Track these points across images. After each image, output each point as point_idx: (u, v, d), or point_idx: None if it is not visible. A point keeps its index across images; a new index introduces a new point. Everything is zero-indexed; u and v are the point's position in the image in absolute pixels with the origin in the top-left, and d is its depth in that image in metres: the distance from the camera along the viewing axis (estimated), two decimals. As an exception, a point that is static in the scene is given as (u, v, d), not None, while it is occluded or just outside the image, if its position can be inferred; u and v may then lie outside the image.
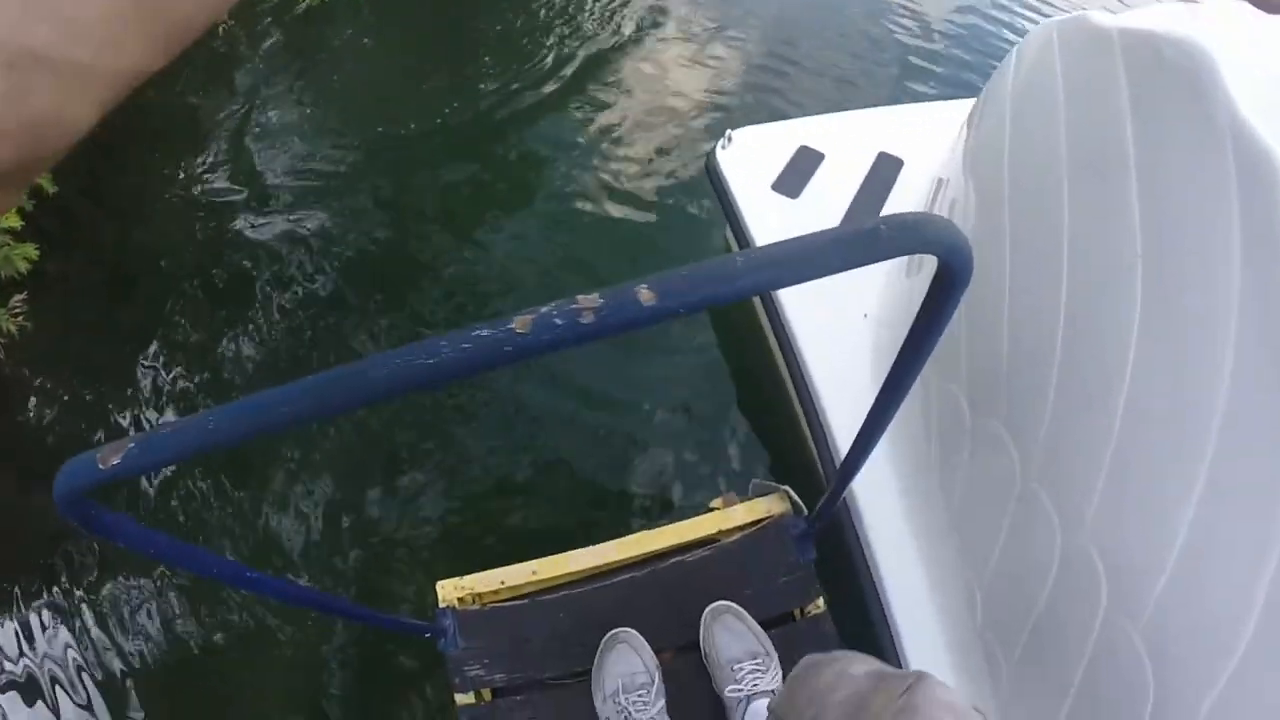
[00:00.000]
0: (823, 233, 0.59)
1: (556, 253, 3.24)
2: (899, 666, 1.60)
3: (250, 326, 3.10)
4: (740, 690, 1.59)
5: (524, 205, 3.42)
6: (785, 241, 0.58)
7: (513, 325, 0.54)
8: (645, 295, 0.53)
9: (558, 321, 0.54)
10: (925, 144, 2.25)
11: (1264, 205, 0.87)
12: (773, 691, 1.58)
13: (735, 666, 1.61)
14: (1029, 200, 1.37)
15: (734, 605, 1.69)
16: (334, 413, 0.59)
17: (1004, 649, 1.42)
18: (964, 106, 1.83)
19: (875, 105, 2.69)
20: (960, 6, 4.43)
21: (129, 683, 2.33)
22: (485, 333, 0.54)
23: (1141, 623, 1.06)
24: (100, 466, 0.60)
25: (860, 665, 1.08)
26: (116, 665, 2.36)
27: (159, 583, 2.49)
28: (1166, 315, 1.02)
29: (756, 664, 1.61)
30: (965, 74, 3.98)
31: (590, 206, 3.36)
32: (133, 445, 0.60)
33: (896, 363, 0.88)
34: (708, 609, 1.69)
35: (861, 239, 0.59)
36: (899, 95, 3.81)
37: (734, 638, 1.66)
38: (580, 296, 0.54)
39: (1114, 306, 1.09)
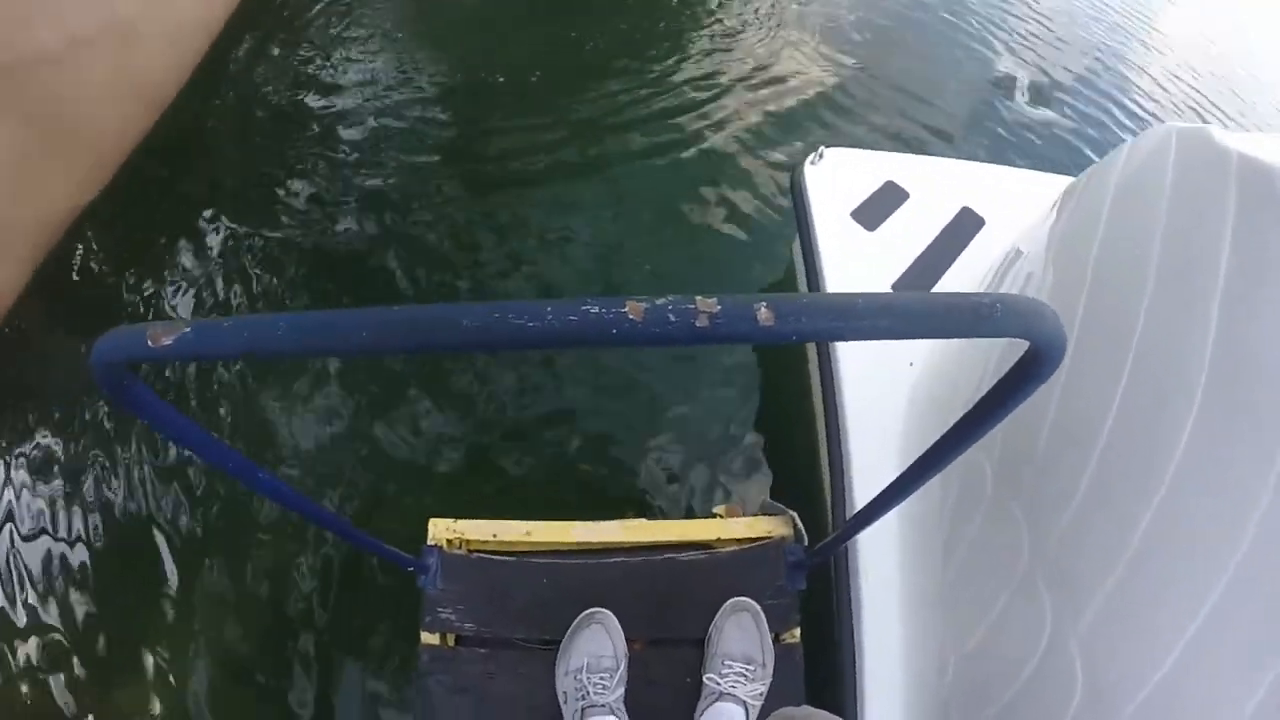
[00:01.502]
0: (942, 296, 0.58)
1: (617, 232, 3.24)
2: (855, 714, 1.61)
3: (301, 230, 3.14)
4: (718, 685, 1.60)
5: (595, 178, 3.42)
6: (905, 295, 0.57)
7: (625, 309, 0.53)
8: (764, 314, 0.53)
9: (671, 317, 0.53)
10: (1011, 209, 2.22)
11: None
12: (745, 703, 1.59)
13: (727, 662, 1.62)
14: (1107, 297, 1.35)
15: (756, 607, 1.69)
16: (413, 351, 0.57)
17: None
18: (1056, 181, 1.80)
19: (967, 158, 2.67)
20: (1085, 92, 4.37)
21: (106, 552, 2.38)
22: (595, 309, 0.54)
23: None
24: (150, 344, 0.59)
25: None
26: (95, 532, 2.41)
27: (162, 457, 2.52)
28: (1211, 449, 1.01)
29: (747, 669, 1.62)
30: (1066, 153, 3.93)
31: (666, 197, 3.35)
32: (189, 330, 0.59)
33: (948, 434, 0.88)
34: (731, 600, 1.70)
35: (978, 311, 0.58)
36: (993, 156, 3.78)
37: (742, 636, 1.66)
38: (699, 298, 0.53)
39: (1163, 426, 1.08)
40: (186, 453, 2.45)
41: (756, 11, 4.36)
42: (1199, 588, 0.95)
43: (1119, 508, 1.14)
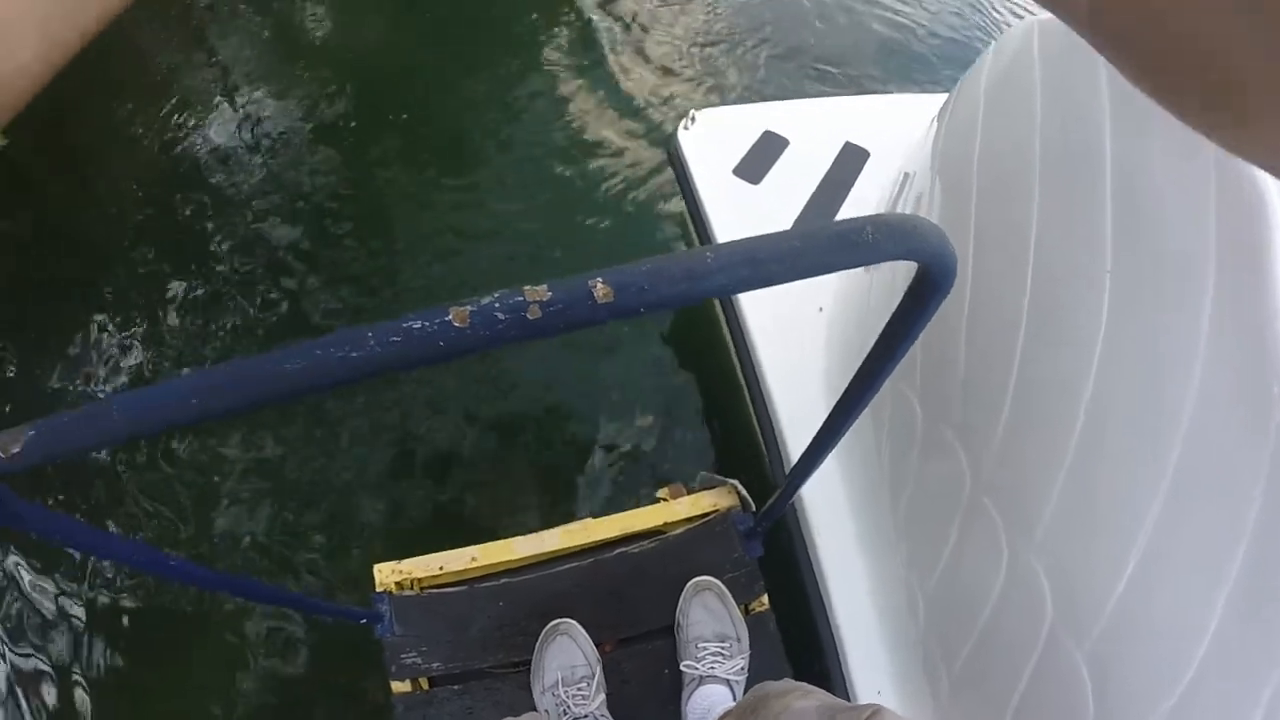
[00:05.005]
0: (803, 231, 0.54)
1: (518, 217, 3.13)
2: (841, 671, 1.59)
3: (204, 289, 2.97)
4: (696, 669, 1.58)
5: (490, 162, 3.31)
6: (761, 238, 0.53)
7: (449, 317, 0.48)
8: (601, 291, 0.48)
9: (500, 315, 0.48)
10: (893, 137, 2.21)
11: (1243, 229, 0.83)
12: (728, 681, 1.57)
13: (700, 645, 1.60)
14: (996, 201, 1.33)
15: (718, 583, 1.66)
16: (248, 408, 0.53)
17: (945, 659, 1.40)
18: (935, 101, 1.79)
19: (845, 93, 2.65)
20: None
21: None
22: (418, 325, 0.49)
23: (1086, 646, 1.04)
24: (1, 455, 0.54)
25: (809, 699, 1.06)
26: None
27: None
28: (1133, 332, 0.98)
29: (722, 647, 1.59)
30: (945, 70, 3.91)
31: (555, 172, 3.27)
32: (32, 432, 0.54)
33: (862, 369, 0.85)
34: (691, 582, 1.67)
35: (845, 241, 0.54)
36: (871, 85, 3.72)
37: (709, 616, 1.64)
38: (527, 288, 0.48)
39: (1079, 319, 1.06)
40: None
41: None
42: (1149, 479, 0.93)
43: (1049, 415, 1.12)
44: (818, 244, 0.54)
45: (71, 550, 2.26)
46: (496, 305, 0.48)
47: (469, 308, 0.48)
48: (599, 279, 0.48)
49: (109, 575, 2.33)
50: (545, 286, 0.48)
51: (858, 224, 0.55)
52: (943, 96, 1.68)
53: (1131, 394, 0.98)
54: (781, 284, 0.53)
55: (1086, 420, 1.04)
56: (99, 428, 0.55)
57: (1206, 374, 0.86)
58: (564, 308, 0.48)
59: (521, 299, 0.48)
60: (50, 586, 2.32)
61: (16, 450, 0.54)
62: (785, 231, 0.53)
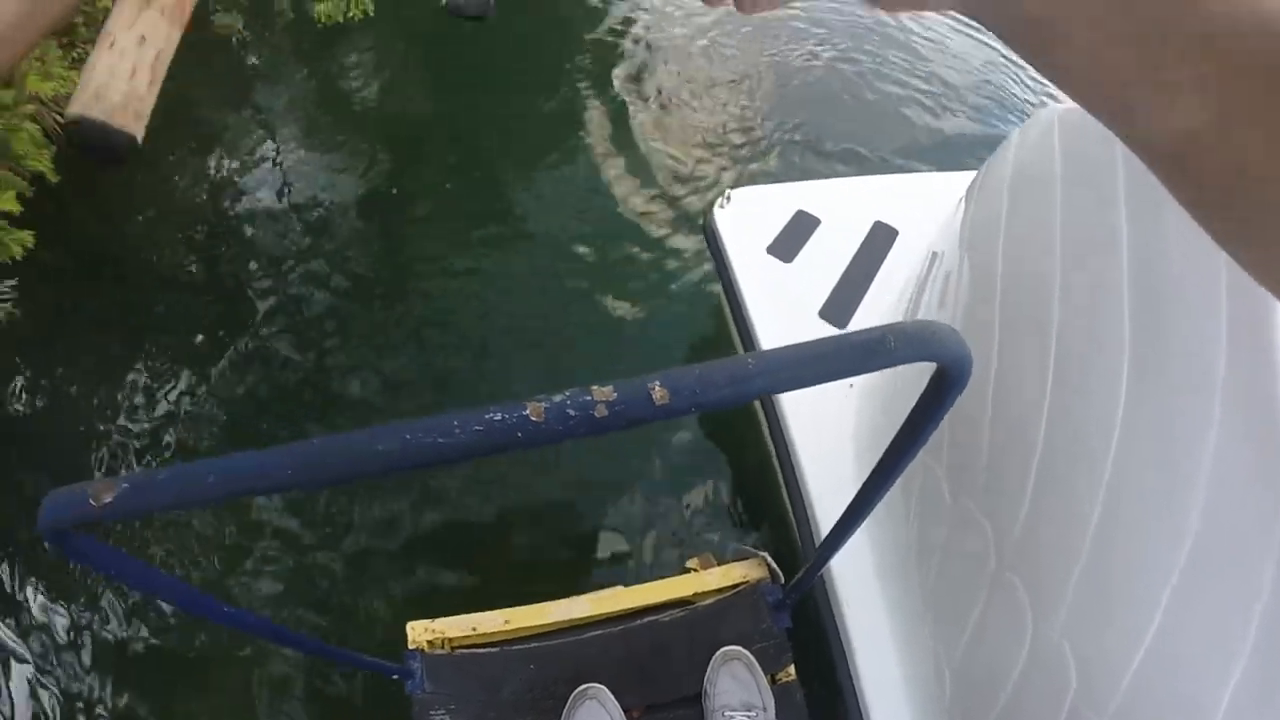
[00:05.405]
0: (833, 339, 0.60)
1: (557, 293, 3.23)
2: None
3: (244, 328, 3.06)
4: None
5: (526, 237, 3.43)
6: (796, 346, 0.59)
7: (526, 412, 0.54)
8: (659, 394, 0.54)
9: (571, 412, 0.54)
10: (921, 215, 2.27)
11: (1253, 314, 0.89)
12: None
13: (727, 714, 1.63)
14: (1022, 283, 1.37)
15: (746, 653, 1.69)
16: (337, 482, 0.59)
17: None
18: (961, 178, 1.84)
19: (877, 172, 2.72)
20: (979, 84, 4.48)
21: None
22: (498, 416, 0.55)
23: (1107, 716, 1.06)
24: (92, 503, 0.59)
25: None
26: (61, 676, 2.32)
27: (116, 597, 2.44)
28: (1150, 413, 1.03)
29: (749, 716, 1.62)
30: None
31: (590, 258, 3.37)
32: (126, 485, 0.59)
33: (886, 454, 0.90)
34: (719, 651, 1.70)
35: (868, 349, 0.60)
36: (899, 164, 3.82)
37: (737, 686, 1.67)
38: (595, 388, 0.55)
39: (1099, 399, 1.10)
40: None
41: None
42: (1168, 552, 0.96)
43: (1071, 492, 1.16)
44: (844, 352, 0.60)
45: (134, 589, 2.31)
46: (568, 403, 0.55)
47: (544, 404, 0.55)
48: (656, 382, 0.55)
49: (126, 621, 2.39)
50: (610, 387, 0.55)
51: (879, 333, 0.61)
52: (969, 174, 1.73)
53: (1150, 467, 1.02)
54: (814, 386, 0.59)
55: (1107, 494, 1.08)
56: (192, 488, 0.60)
57: (1219, 455, 0.91)
58: (626, 407, 0.54)
59: (590, 398, 0.54)
60: (65, 622, 2.38)
61: (109, 500, 0.59)
62: (816, 340, 0.60)
